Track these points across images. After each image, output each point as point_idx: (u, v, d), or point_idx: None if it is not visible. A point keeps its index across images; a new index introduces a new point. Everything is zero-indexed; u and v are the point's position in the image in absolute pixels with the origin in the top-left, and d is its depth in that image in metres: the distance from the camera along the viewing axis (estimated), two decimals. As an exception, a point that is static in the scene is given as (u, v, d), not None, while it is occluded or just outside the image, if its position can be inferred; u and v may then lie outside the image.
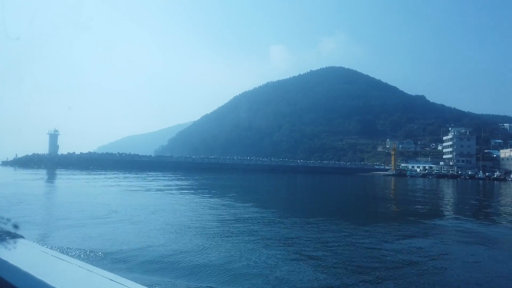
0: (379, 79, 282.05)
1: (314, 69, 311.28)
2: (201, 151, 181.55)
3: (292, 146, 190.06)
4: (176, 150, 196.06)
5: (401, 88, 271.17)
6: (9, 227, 1.98)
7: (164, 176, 61.60)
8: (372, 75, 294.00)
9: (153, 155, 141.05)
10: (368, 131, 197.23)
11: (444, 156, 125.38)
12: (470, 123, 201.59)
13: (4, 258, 1.67)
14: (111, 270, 1.62)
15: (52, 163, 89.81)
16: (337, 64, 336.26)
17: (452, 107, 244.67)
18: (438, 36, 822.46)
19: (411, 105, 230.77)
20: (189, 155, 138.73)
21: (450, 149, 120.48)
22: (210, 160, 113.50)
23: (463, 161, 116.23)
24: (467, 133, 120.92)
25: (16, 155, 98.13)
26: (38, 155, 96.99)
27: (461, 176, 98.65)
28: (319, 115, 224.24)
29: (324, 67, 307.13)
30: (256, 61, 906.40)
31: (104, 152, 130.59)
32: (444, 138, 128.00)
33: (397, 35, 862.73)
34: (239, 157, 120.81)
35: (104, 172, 70.12)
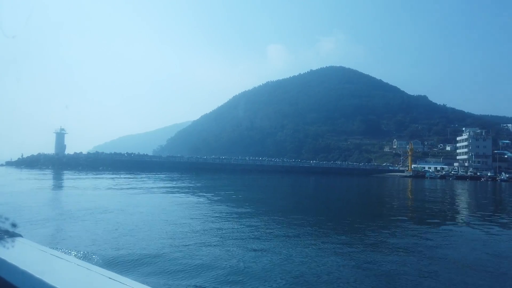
0: (380, 79, 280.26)
1: (314, 68, 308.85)
2: (202, 151, 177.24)
3: (296, 146, 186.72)
4: (175, 150, 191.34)
5: (402, 88, 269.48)
6: (7, 226, 1.96)
7: (187, 180, 57.25)
8: (372, 75, 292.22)
9: (151, 155, 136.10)
10: (372, 131, 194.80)
11: (458, 157, 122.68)
12: (474, 123, 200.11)
13: (3, 257, 1.66)
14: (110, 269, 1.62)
15: (60, 163, 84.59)
16: (336, 63, 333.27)
17: (452, 107, 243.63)
18: (436, 36, 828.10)
19: (413, 105, 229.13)
20: (189, 154, 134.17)
21: (465, 150, 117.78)
22: (221, 160, 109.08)
23: (478, 162, 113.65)
24: (483, 134, 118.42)
25: (22, 155, 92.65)
26: (44, 155, 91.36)
27: (482, 178, 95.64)
28: (321, 115, 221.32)
29: (324, 66, 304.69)
30: (253, 60, 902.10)
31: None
32: (458, 138, 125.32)
33: (396, 35, 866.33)
34: (251, 158, 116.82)
35: (118, 173, 65.36)
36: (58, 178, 52.40)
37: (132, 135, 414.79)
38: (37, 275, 1.49)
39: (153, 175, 62.11)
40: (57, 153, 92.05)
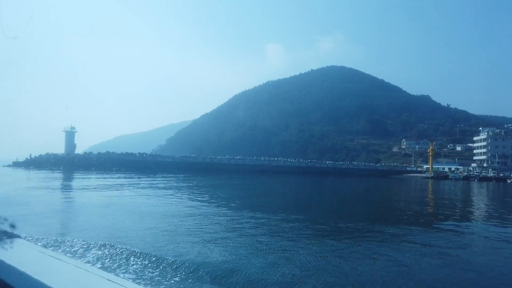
0: (381, 79, 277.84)
1: (314, 68, 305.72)
2: (204, 150, 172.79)
3: (302, 146, 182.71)
4: (175, 150, 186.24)
5: (403, 88, 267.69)
6: (6, 227, 1.95)
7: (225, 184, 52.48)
8: (373, 74, 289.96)
9: (164, 155, 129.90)
10: (378, 131, 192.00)
11: (475, 157, 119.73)
12: (479, 123, 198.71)
13: (1, 258, 1.65)
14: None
15: (71, 163, 78.68)
16: (335, 63, 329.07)
17: (455, 107, 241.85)
18: (436, 36, 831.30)
19: (417, 105, 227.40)
20: (190, 154, 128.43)
21: (483, 150, 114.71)
22: (237, 161, 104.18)
23: (498, 162, 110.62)
24: (502, 133, 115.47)
25: (30, 155, 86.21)
26: (54, 155, 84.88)
27: (508, 179, 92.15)
28: (325, 114, 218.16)
29: (325, 66, 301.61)
30: (251, 60, 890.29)
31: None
32: (475, 138, 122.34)
33: (394, 35, 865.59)
34: (266, 158, 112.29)
35: (138, 176, 60.13)
36: (88, 183, 47.03)
37: (128, 135, 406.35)
38: (36, 276, 1.47)
39: (178, 178, 57.11)
40: (68, 153, 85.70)
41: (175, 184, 42.99)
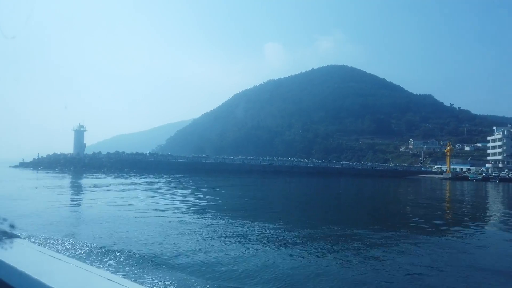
0: (383, 78, 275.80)
1: (314, 67, 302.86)
2: (206, 150, 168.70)
3: (306, 146, 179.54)
4: (176, 150, 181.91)
5: (405, 87, 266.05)
6: (5, 227, 1.94)
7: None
8: (374, 74, 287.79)
9: (175, 155, 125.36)
10: (383, 131, 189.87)
11: (489, 158, 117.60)
12: (483, 123, 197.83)
13: (1, 258, 1.65)
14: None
15: (82, 164, 74.35)
16: (335, 63, 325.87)
17: (458, 107, 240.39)
18: (435, 34, 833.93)
19: (420, 105, 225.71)
20: (192, 154, 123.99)
21: (499, 150, 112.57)
22: (250, 161, 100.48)
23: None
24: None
25: (38, 155, 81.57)
26: (64, 155, 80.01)
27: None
28: (328, 114, 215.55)
29: (326, 65, 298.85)
30: (251, 58, 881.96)
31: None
32: (489, 138, 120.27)
33: (394, 34, 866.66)
34: (279, 158, 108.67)
35: (159, 177, 56.36)
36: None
37: (127, 135, 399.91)
38: (35, 276, 1.46)
39: (216, 181, 53.49)
40: (78, 153, 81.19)
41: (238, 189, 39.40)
